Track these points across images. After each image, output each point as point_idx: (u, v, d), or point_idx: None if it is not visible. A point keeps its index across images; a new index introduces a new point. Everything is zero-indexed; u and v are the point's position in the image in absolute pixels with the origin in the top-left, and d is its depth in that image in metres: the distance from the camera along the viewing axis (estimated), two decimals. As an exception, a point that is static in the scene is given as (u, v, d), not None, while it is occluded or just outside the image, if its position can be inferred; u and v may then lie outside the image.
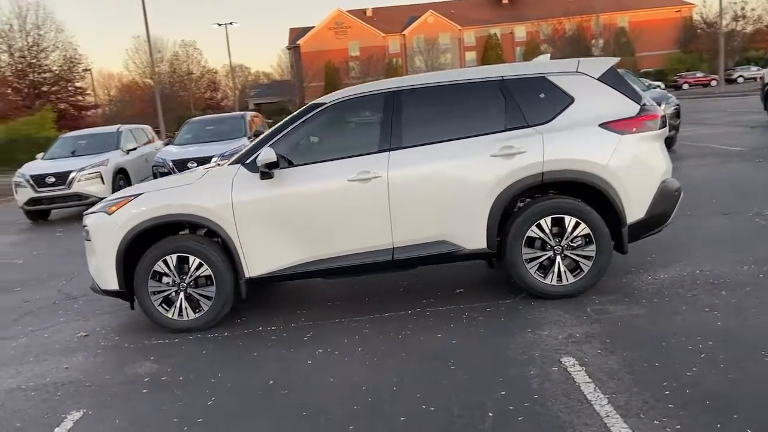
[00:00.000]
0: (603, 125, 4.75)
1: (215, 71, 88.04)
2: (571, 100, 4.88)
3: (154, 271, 4.89)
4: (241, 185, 4.84)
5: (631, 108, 4.85)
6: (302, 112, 5.09)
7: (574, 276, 4.83)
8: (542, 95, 4.90)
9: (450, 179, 4.80)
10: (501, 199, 4.74)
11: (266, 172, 4.78)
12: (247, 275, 4.87)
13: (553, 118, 4.83)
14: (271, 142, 4.92)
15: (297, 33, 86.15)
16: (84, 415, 3.64)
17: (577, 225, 4.76)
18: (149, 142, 15.40)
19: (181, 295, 4.91)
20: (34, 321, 5.73)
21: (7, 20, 47.00)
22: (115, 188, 11.82)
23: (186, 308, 4.92)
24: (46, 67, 48.36)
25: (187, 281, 4.89)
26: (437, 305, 4.98)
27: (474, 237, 4.81)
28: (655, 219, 4.92)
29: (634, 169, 4.81)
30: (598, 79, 4.90)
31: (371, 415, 3.38)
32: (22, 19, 47.41)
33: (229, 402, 3.68)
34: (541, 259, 4.81)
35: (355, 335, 4.57)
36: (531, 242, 4.79)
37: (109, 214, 4.99)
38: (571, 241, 4.78)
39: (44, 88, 47.92)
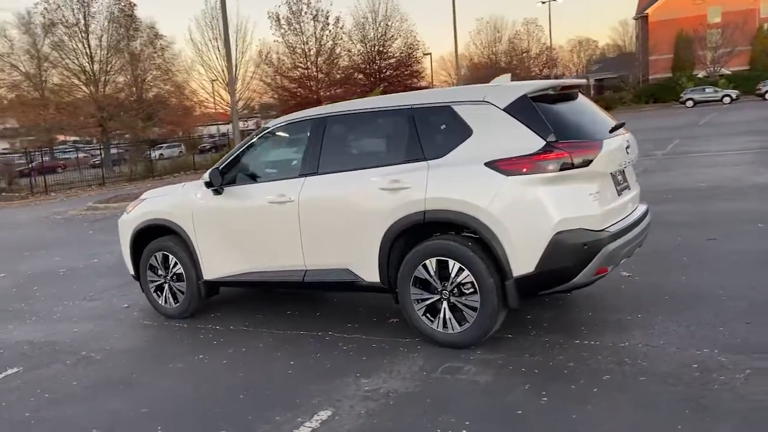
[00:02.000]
0: (489, 164, 4.26)
1: (553, 49, 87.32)
2: (470, 132, 4.46)
3: (150, 264, 6.02)
4: (202, 198, 5.62)
5: (532, 144, 4.22)
6: (251, 136, 5.63)
7: (460, 325, 4.48)
8: (443, 126, 4.59)
9: (349, 210, 4.85)
10: (389, 234, 4.62)
11: (216, 189, 5.49)
12: (203, 278, 5.68)
13: (448, 152, 4.49)
14: (219, 164, 5.59)
15: (647, 2, 79.87)
16: (16, 372, 4.95)
17: (461, 271, 4.40)
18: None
19: (166, 287, 5.95)
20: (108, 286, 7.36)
21: (364, 14, 54.10)
22: None
23: (169, 297, 5.96)
24: (390, 54, 54.50)
25: (169, 277, 5.91)
26: (352, 332, 5.06)
27: (370, 270, 4.78)
28: (553, 275, 4.23)
29: (520, 215, 4.21)
30: (503, 110, 4.36)
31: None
32: (375, 12, 54.11)
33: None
34: (428, 302, 4.57)
35: (243, 347, 5.03)
36: (419, 282, 4.59)
37: (128, 213, 6.26)
38: (457, 287, 4.43)
39: (387, 73, 54.21)
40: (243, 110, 43.03)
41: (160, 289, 5.99)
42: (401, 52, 54.24)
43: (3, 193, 24.90)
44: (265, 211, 5.23)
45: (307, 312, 5.70)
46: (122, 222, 6.28)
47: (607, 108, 56.78)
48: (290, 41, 46.56)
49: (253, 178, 5.51)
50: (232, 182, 5.51)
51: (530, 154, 4.18)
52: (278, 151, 5.59)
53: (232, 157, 5.58)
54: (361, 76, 53.39)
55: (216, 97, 44.22)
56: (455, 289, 4.42)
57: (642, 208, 5.02)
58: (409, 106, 4.76)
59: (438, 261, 4.45)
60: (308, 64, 47.10)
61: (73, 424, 3.90)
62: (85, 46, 34.73)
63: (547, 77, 75.83)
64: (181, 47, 43.61)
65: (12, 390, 4.55)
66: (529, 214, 4.18)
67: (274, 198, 5.15)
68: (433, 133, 4.60)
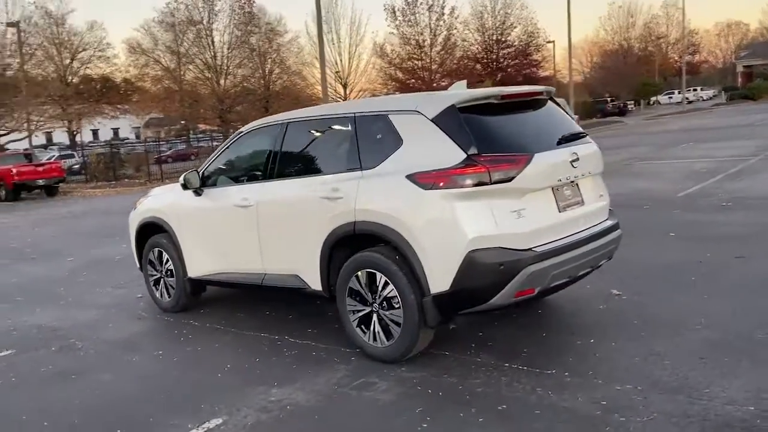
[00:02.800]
0: (409, 176, 4.12)
1: (696, 33, 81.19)
2: (400, 143, 4.35)
3: (149, 259, 6.39)
4: (188, 199, 5.88)
5: (453, 157, 4.04)
6: (229, 139, 5.80)
7: (387, 340, 4.40)
8: (379, 136, 4.49)
9: (296, 216, 4.89)
10: (327, 243, 4.61)
11: (195, 190, 5.73)
12: (187, 275, 5.96)
13: (380, 162, 4.40)
14: (201, 167, 5.81)
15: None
16: (7, 354, 5.47)
17: (386, 284, 4.31)
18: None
19: (162, 281, 6.30)
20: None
21: (482, 3, 53.27)
22: None
23: (164, 292, 6.30)
24: (508, 43, 53.28)
25: (164, 272, 6.25)
26: (307, 337, 5.10)
27: (315, 278, 4.81)
28: (468, 295, 4.04)
29: (437, 231, 4.05)
30: (431, 120, 4.20)
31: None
32: (495, 1, 53.08)
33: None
34: (361, 314, 4.52)
35: (201, 346, 5.22)
36: (353, 294, 4.54)
37: (135, 209, 6.66)
38: (385, 301, 4.35)
39: (505, 63, 53.10)
40: (355, 102, 43.79)
41: (157, 282, 6.35)
42: (520, 41, 52.91)
43: (126, 180, 27.16)
44: (232, 213, 5.40)
45: (282, 314, 5.80)
46: (130, 217, 6.71)
47: (752, 98, 52.59)
48: (405, 32, 46.84)
49: (226, 181, 5.68)
50: (214, 184, 5.72)
51: (448, 168, 4.00)
52: (248, 155, 5.71)
53: (213, 159, 5.80)
54: (477, 66, 52.71)
55: (331, 90, 45.39)
56: (384, 302, 4.35)
57: (606, 223, 4.66)
58: (353, 114, 4.71)
59: (368, 273, 4.39)
60: (422, 54, 47.17)
61: (10, 410, 4.26)
62: (209, 42, 36.98)
63: (689, 64, 70.66)
64: (305, 42, 44.57)
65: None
66: (444, 231, 4.01)
67: (239, 201, 5.31)
68: (370, 142, 4.53)
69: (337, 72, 42.55)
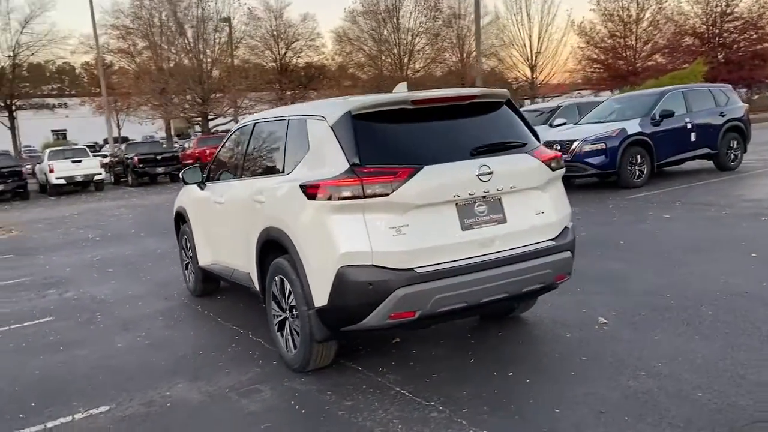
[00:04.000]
0: (301, 186, 4.02)
1: None
2: (307, 149, 4.26)
3: (180, 245, 6.96)
4: (196, 191, 6.25)
5: (339, 167, 3.86)
6: (228, 135, 6.06)
7: (294, 348, 4.37)
8: (299, 141, 4.42)
9: (242, 218, 5.03)
10: (257, 247, 4.67)
11: (198, 184, 6.10)
12: (198, 263, 6.39)
13: (293, 168, 4.35)
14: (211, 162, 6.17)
15: None
16: (46, 320, 6.33)
17: (291, 293, 4.29)
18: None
19: (189, 266, 6.79)
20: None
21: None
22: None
23: (189, 277, 6.78)
24: (735, 15, 47.07)
25: (188, 258, 6.75)
26: (258, 334, 5.18)
27: (255, 279, 4.90)
28: (343, 312, 3.85)
29: (316, 244, 3.92)
30: (330, 127, 4.04)
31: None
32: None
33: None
34: (278, 318, 4.54)
35: (176, 332, 5.59)
36: (274, 298, 4.57)
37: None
38: (292, 308, 4.33)
39: (730, 38, 47.06)
40: (544, 85, 42.20)
41: (187, 267, 6.91)
42: (750, 13, 46.43)
43: None
44: (214, 209, 5.69)
45: (257, 307, 5.91)
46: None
47: None
48: (607, 8, 43.70)
49: (219, 176, 5.96)
50: (216, 178, 6.04)
51: (328, 179, 3.85)
52: (232, 152, 5.88)
53: (216, 153, 6.13)
54: (695, 41, 47.39)
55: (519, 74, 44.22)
56: (292, 310, 4.33)
57: (543, 244, 4.12)
58: (287, 118, 4.70)
59: (280, 280, 4.40)
60: (626, 32, 43.69)
61: (7, 366, 4.99)
62: (394, 29, 38.03)
63: None
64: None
65: (24, 334, 5.89)
66: (321, 244, 3.88)
67: (217, 198, 5.59)
68: (293, 147, 4.49)
69: (526, 54, 41.23)
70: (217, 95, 35.94)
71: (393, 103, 3.98)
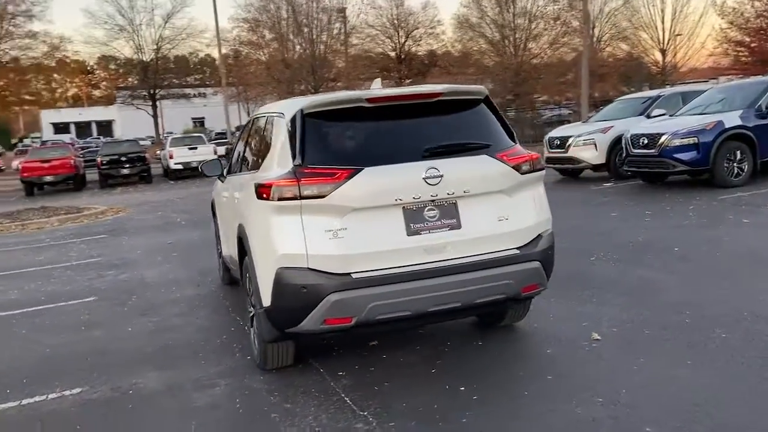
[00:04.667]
0: (256, 185, 4.00)
1: None
2: (269, 147, 4.24)
3: (216, 234, 7.21)
4: (220, 183, 6.42)
5: (285, 167, 3.81)
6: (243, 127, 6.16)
7: (258, 345, 4.39)
8: (269, 138, 4.41)
9: (230, 212, 5.12)
10: (236, 242, 4.72)
11: (218, 176, 6.26)
12: (221, 254, 6.59)
13: (260, 167, 4.35)
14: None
15: None
16: (87, 300, 6.80)
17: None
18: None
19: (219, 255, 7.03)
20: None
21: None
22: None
23: (220, 265, 7.03)
24: None
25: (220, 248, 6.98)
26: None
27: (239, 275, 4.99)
28: (284, 314, 3.79)
29: (261, 244, 3.92)
30: (286, 125, 3.99)
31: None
32: None
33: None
34: (251, 314, 4.55)
35: (168, 323, 5.80)
36: (248, 294, 4.58)
37: None
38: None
39: None
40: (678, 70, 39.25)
41: (220, 255, 7.14)
42: None
43: None
44: (223, 202, 5.85)
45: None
46: None
47: None
48: (755, -15, 39.69)
49: (234, 170, 6.06)
50: (231, 172, 6.16)
51: (272, 178, 3.81)
52: (238, 146, 5.91)
53: (234, 146, 6.27)
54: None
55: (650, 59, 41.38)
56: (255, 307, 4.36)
57: (505, 253, 3.84)
58: (266, 114, 4.72)
59: (247, 276, 4.44)
60: (776, 11, 39.50)
61: (27, 343, 5.45)
62: (508, 12, 36.93)
63: None
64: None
65: (62, 312, 6.39)
66: (265, 244, 3.85)
67: (225, 191, 5.74)
68: (266, 144, 4.49)
69: (657, 37, 38.50)
70: (329, 85, 36.79)
71: (347, 101, 3.86)
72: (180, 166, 23.90)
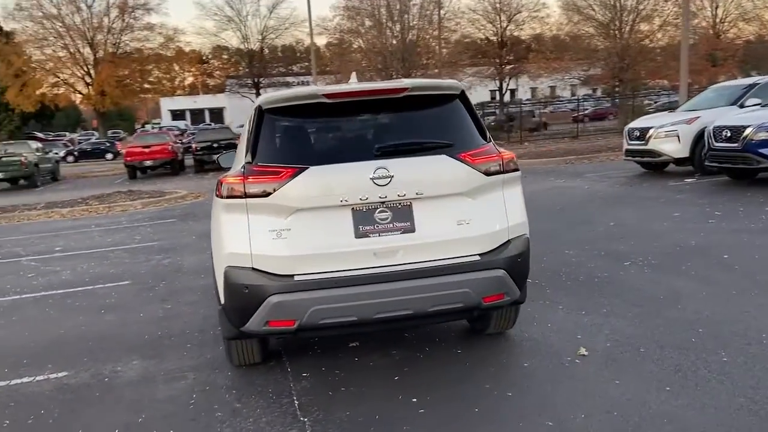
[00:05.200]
0: (218, 181, 3.97)
1: None
2: (241, 141, 4.20)
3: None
4: None
5: (240, 164, 3.77)
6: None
7: (230, 341, 4.39)
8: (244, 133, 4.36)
9: None
10: None
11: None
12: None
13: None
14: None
15: None
16: (121, 284, 7.10)
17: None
18: None
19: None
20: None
21: None
22: None
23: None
24: None
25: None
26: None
27: None
28: (233, 315, 3.73)
29: (215, 240, 3.88)
30: (249, 121, 3.94)
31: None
32: None
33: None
34: (226, 310, 4.59)
35: (193, 308, 5.90)
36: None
37: None
38: None
39: None
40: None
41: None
42: None
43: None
44: None
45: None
46: None
47: None
48: None
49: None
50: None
51: (227, 176, 3.78)
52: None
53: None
54: None
55: None
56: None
57: (465, 259, 3.60)
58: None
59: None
60: None
61: (49, 324, 5.77)
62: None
63: None
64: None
65: (94, 294, 6.70)
66: (217, 241, 3.82)
67: None
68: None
69: None
70: (419, 73, 36.45)
71: (304, 97, 3.73)
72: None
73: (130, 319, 5.70)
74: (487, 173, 3.67)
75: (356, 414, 3.51)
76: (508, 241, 3.73)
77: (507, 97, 50.81)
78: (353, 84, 4.13)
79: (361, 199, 3.51)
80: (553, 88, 65.86)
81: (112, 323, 5.62)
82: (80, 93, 45.44)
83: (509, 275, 3.67)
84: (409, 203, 3.58)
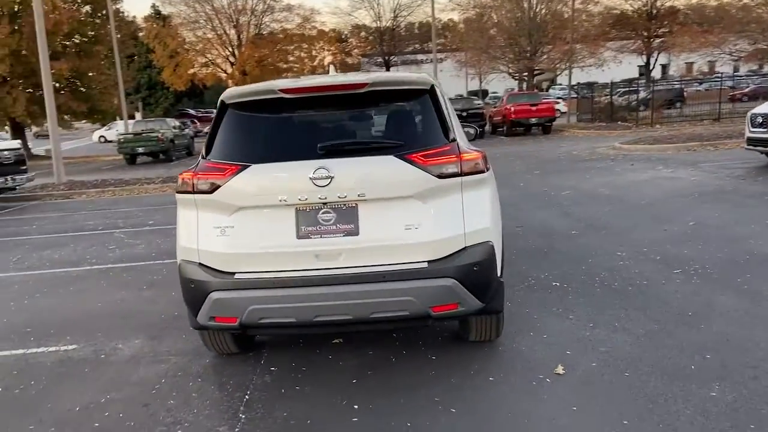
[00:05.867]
0: (189, 170, 4.02)
1: None
2: (217, 135, 4.21)
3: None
4: None
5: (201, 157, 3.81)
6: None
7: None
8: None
9: None
10: None
11: None
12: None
13: None
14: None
15: None
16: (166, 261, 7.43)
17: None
18: None
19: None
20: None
21: None
22: None
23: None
24: None
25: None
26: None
27: None
28: (187, 307, 3.79)
29: (177, 234, 3.92)
30: (216, 112, 3.92)
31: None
32: None
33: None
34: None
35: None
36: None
37: None
38: None
39: None
40: None
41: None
42: None
43: (620, 123, 26.24)
44: None
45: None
46: None
47: None
48: None
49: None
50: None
51: (184, 170, 3.81)
52: None
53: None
54: None
55: None
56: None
57: (413, 266, 3.42)
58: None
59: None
60: None
61: (94, 295, 6.23)
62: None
63: None
64: None
65: (132, 270, 7.11)
66: (177, 235, 3.88)
67: None
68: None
69: None
70: (545, 50, 34.79)
71: (262, 92, 3.67)
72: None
73: (162, 297, 5.99)
74: (441, 176, 3.42)
75: (291, 416, 3.46)
76: (465, 248, 3.47)
77: (656, 74, 47.34)
78: (315, 78, 4.01)
79: (300, 199, 3.42)
80: (712, 63, 60.43)
81: (145, 300, 5.94)
82: (225, 72, 48.31)
83: (462, 285, 3.42)
84: (354, 205, 3.43)
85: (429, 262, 3.41)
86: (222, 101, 3.76)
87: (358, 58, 70.43)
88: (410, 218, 3.42)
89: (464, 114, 24.86)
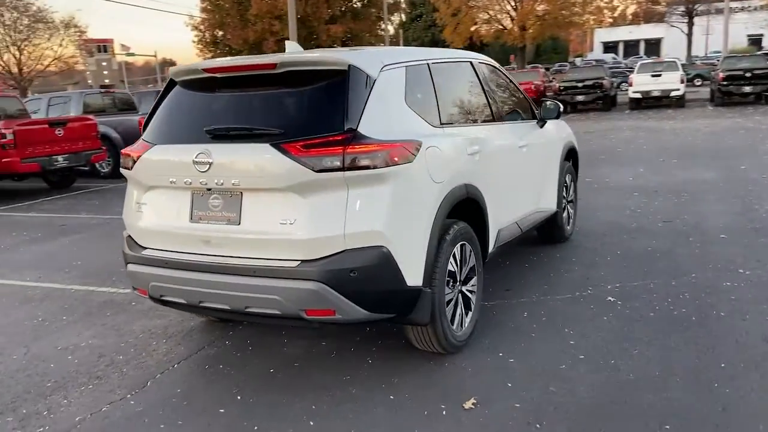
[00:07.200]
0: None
1: None
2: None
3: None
4: None
5: None
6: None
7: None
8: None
9: None
10: None
11: None
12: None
13: None
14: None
15: None
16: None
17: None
18: None
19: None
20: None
21: None
22: None
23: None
24: None
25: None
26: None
27: None
28: None
29: None
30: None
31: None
32: None
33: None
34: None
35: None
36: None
37: None
38: None
39: None
40: None
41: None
42: None
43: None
44: None
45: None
46: None
47: None
48: None
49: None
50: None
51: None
52: None
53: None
54: None
55: None
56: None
57: (271, 263, 3.19)
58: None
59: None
60: None
61: None
62: None
63: None
64: None
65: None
66: None
67: None
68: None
69: None
70: None
71: (190, 71, 3.64)
72: (638, 95, 22.09)
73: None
74: (320, 169, 3.06)
75: (208, 406, 3.39)
76: (344, 251, 3.08)
77: None
78: (243, 58, 3.81)
79: (185, 182, 3.38)
80: None
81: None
82: (505, 29, 47.64)
83: (336, 290, 3.07)
84: (239, 193, 3.28)
85: (302, 261, 3.12)
86: (171, 79, 3.80)
87: (665, 6, 63.66)
88: (287, 213, 3.15)
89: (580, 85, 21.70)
